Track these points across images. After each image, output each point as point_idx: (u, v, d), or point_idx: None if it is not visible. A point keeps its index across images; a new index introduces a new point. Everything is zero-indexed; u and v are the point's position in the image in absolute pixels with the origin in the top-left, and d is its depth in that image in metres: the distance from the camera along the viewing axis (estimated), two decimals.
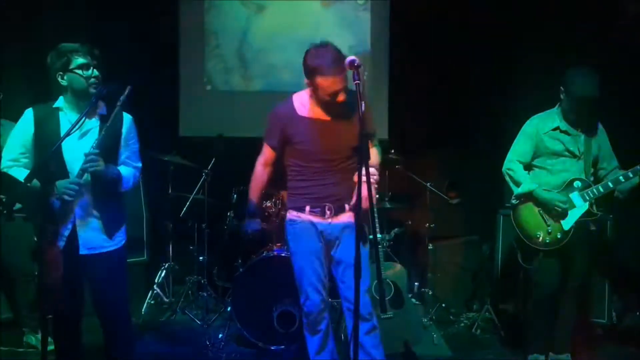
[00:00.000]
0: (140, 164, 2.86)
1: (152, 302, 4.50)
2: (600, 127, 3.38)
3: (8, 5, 4.38)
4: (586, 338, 3.86)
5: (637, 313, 4.20)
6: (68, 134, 2.53)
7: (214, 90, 5.49)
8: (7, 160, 2.68)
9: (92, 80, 2.63)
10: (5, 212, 3.53)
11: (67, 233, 2.62)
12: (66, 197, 2.52)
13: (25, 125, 2.67)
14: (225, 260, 4.69)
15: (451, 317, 4.51)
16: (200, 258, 4.36)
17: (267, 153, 2.91)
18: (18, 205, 3.62)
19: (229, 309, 3.98)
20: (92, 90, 2.64)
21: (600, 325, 4.09)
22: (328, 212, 2.81)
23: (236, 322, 3.76)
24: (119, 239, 2.75)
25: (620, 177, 3.22)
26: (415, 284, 4.63)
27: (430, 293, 4.51)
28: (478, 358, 3.79)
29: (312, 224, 2.83)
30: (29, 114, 2.69)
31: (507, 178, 3.45)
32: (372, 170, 2.61)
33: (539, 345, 3.46)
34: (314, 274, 2.83)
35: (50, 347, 3.44)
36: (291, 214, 2.89)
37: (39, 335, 3.56)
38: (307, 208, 2.82)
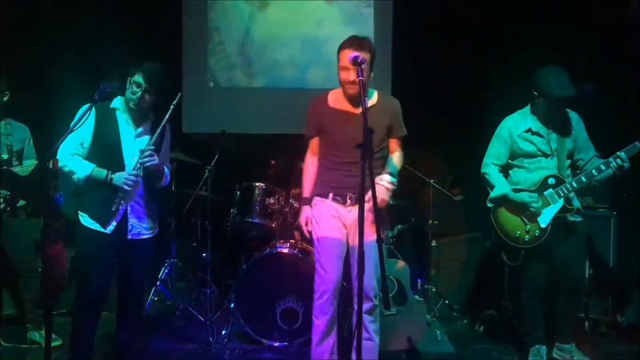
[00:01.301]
0: (170, 166, 3.23)
1: (155, 298, 4.50)
2: (575, 117, 3.42)
3: (10, 4, 4.38)
4: (588, 330, 3.87)
5: None
6: (72, 130, 2.63)
7: (217, 87, 5.49)
8: (67, 154, 2.88)
9: (134, 98, 2.88)
10: (8, 208, 3.57)
11: (118, 220, 2.89)
12: (126, 187, 2.84)
13: (87, 121, 2.79)
14: (228, 257, 4.71)
15: (454, 313, 4.50)
16: (204, 255, 4.36)
17: (311, 145, 3.16)
18: (22, 202, 3.66)
19: (232, 305, 3.98)
20: (131, 106, 2.91)
21: (603, 323, 4.10)
22: (349, 201, 3.01)
23: (239, 318, 3.76)
24: (155, 229, 3.09)
25: (593, 171, 3.28)
26: (419, 280, 4.62)
27: (433, 290, 4.50)
28: (481, 355, 3.79)
29: (335, 208, 3.04)
30: (91, 112, 2.82)
31: (484, 181, 3.54)
32: (384, 181, 2.86)
33: (539, 336, 3.53)
34: (333, 250, 3.01)
35: (54, 344, 3.47)
36: (315, 200, 3.11)
37: (43, 332, 3.57)
38: (331, 195, 3.04)
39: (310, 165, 3.16)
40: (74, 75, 4.45)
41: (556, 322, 3.51)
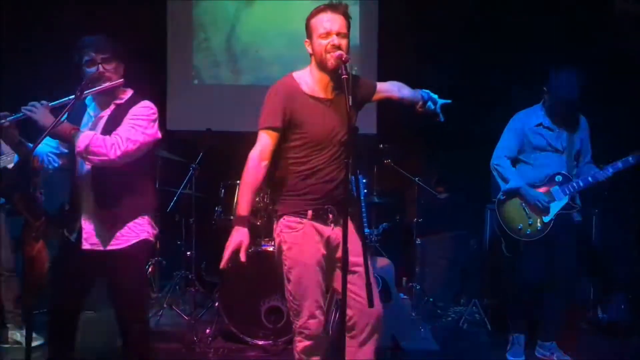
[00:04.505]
0: (127, 136, 2.57)
1: None
2: (583, 122, 3.52)
3: None
4: (572, 329, 3.92)
5: (622, 307, 4.24)
6: (54, 126, 2.46)
7: (202, 84, 5.46)
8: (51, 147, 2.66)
9: (89, 74, 2.52)
10: None
11: (78, 225, 2.55)
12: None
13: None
14: (213, 255, 4.67)
15: (439, 311, 4.53)
16: (188, 253, 4.33)
17: (265, 141, 2.44)
18: (1, 200, 3.60)
19: (216, 304, 3.96)
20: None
21: (585, 318, 4.16)
22: (331, 216, 2.42)
23: (224, 317, 3.75)
24: (119, 241, 2.56)
25: (602, 173, 3.37)
26: (403, 278, 4.64)
27: (418, 287, 4.53)
28: (465, 351, 3.81)
29: (317, 230, 2.41)
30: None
31: (495, 173, 3.58)
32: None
33: (519, 324, 3.56)
34: (318, 289, 2.43)
35: (35, 343, 3.43)
36: (288, 220, 2.42)
37: (24, 331, 3.53)
38: (310, 213, 2.39)
39: (258, 174, 2.39)
40: (55, 71, 4.40)
41: (540, 320, 3.55)
